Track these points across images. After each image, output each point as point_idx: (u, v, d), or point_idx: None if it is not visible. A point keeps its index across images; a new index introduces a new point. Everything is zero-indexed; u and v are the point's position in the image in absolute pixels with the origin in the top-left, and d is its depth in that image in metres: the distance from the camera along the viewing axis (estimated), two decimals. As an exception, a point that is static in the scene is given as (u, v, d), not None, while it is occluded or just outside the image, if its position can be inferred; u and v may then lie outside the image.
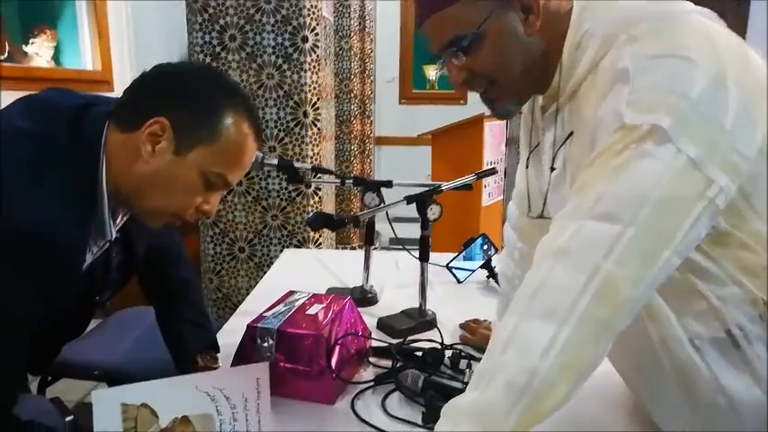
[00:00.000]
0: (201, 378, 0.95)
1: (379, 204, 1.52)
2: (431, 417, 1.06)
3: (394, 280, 1.82)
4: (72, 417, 1.52)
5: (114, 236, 0.95)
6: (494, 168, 1.55)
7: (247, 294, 1.83)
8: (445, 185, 1.44)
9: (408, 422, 1.07)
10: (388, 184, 1.53)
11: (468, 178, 1.47)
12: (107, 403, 0.88)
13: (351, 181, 1.54)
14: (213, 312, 2.56)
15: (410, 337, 1.40)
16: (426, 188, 1.42)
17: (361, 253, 2.14)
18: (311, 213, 1.44)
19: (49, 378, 1.80)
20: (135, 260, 1.07)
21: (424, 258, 1.47)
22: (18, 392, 0.85)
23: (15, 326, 0.80)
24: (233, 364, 1.18)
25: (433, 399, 1.09)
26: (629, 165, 0.74)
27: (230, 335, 1.36)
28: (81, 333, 1.13)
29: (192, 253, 2.67)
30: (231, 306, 2.54)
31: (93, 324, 2.04)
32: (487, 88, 0.89)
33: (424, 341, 1.31)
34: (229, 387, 0.94)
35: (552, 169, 0.91)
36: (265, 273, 2.52)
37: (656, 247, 0.74)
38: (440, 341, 1.31)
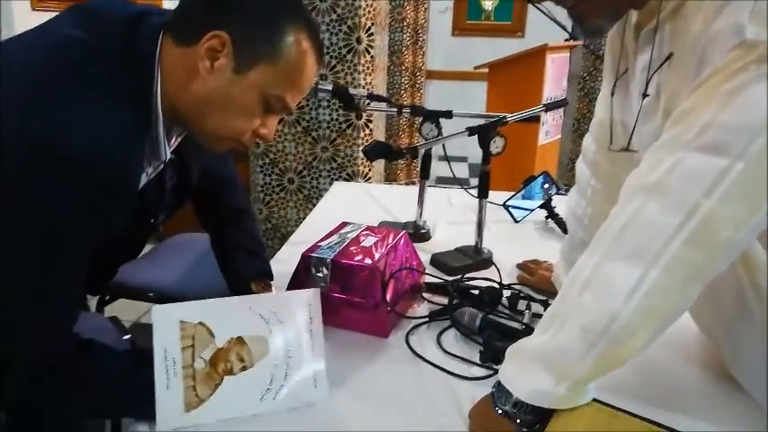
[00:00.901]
0: (256, 300, 0.94)
1: (438, 136, 1.44)
2: (488, 356, 1.03)
3: (447, 216, 1.76)
4: (130, 335, 1.57)
5: (169, 157, 0.92)
6: (564, 100, 1.45)
7: (296, 226, 1.81)
8: (511, 117, 1.35)
9: (465, 360, 1.04)
10: (448, 114, 1.45)
11: (537, 109, 1.37)
12: (167, 319, 0.87)
13: (408, 110, 1.47)
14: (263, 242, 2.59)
15: (466, 275, 1.35)
16: (490, 119, 1.33)
17: (412, 189, 2.08)
18: (368, 144, 1.38)
19: (107, 297, 1.86)
20: (189, 184, 1.05)
21: (482, 195, 1.40)
22: (78, 310, 0.85)
23: (74, 242, 0.78)
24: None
25: (491, 338, 1.06)
26: (745, 89, 0.65)
27: (283, 264, 1.34)
28: (136, 255, 1.13)
29: (242, 183, 2.67)
30: (280, 237, 2.55)
31: (147, 248, 2.09)
32: (578, 1, 0.79)
33: (481, 280, 1.26)
34: (282, 311, 0.93)
35: (645, 96, 0.81)
36: (314, 205, 2.50)
37: (766, 186, 0.66)
38: (497, 280, 1.26)
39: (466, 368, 1.02)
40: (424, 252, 1.50)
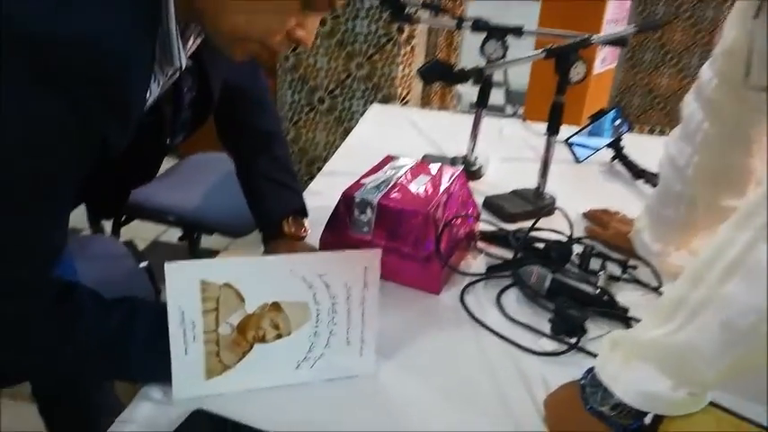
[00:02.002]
0: (298, 260, 0.76)
1: (503, 57, 1.22)
2: (561, 328, 0.87)
3: (499, 152, 1.56)
4: (147, 263, 1.44)
5: (185, 63, 0.72)
6: (661, 20, 1.20)
7: (325, 150, 1.64)
8: (596, 37, 1.12)
9: (532, 329, 0.88)
10: (517, 31, 1.22)
11: (628, 30, 1.14)
12: (184, 278, 0.71)
13: (470, 23, 1.23)
14: (288, 166, 2.42)
15: (522, 224, 1.18)
16: (572, 39, 1.11)
17: (458, 117, 1.87)
18: (426, 63, 1.17)
19: (123, 218, 1.73)
20: (210, 98, 0.86)
21: (553, 131, 1.20)
22: (62, 247, 0.69)
23: (55, 163, 0.61)
24: (324, 235, 1.00)
25: (564, 306, 0.89)
26: None
27: (317, 197, 1.18)
28: (150, 179, 0.97)
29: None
30: (307, 161, 2.38)
31: (167, 164, 1.93)
32: None
33: (547, 231, 1.08)
34: (331, 274, 0.76)
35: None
36: (345, 128, 2.31)
37: None
38: (566, 233, 1.08)
39: (533, 339, 0.87)
40: (477, 193, 1.31)
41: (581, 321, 0.87)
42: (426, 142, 1.61)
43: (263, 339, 0.74)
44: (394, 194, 0.98)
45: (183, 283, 0.70)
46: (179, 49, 0.70)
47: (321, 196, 1.19)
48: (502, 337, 0.86)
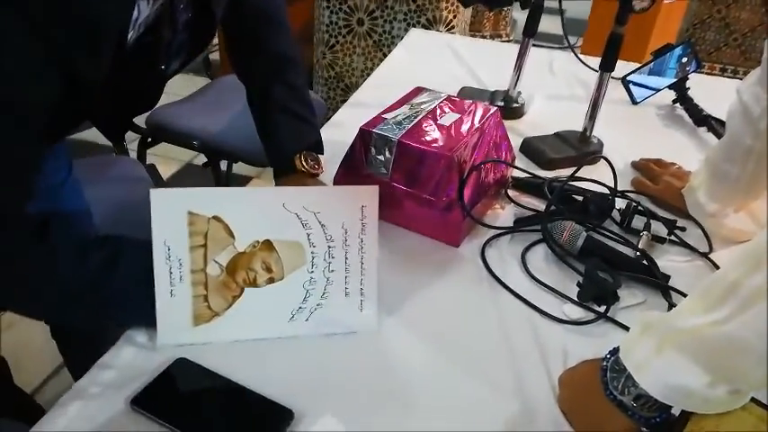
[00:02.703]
0: (291, 194, 0.70)
1: (557, -21, 1.07)
2: (589, 294, 0.78)
3: (546, 87, 1.42)
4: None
5: None
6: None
7: (362, 76, 1.53)
8: (669, -41, 0.95)
9: (557, 293, 0.80)
10: (576, -51, 1.05)
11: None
12: (170, 208, 0.66)
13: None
14: (323, 93, 2.30)
15: (562, 171, 1.06)
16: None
17: (504, 47, 1.71)
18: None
19: (149, 140, 1.69)
20: (212, 19, 0.76)
21: (607, 67, 1.05)
22: (31, 185, 0.63)
23: (13, 91, 0.54)
24: (338, 174, 0.92)
25: (595, 269, 0.80)
26: None
27: (339, 130, 1.09)
28: (152, 105, 0.89)
29: (304, 21, 2.33)
30: (343, 88, 2.27)
31: (197, 84, 1.85)
32: None
33: (587, 181, 0.97)
34: (326, 212, 0.69)
35: None
36: (384, 54, 2.17)
37: None
38: (609, 185, 0.97)
39: (557, 303, 0.78)
40: (515, 134, 1.20)
41: (613, 288, 0.77)
42: (467, 73, 1.48)
43: (254, 283, 0.69)
44: (417, 132, 0.88)
45: (169, 214, 0.66)
46: None
47: (342, 129, 1.10)
48: (522, 299, 0.78)
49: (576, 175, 0.95)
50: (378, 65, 1.60)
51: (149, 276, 0.65)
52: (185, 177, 2.31)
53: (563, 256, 0.85)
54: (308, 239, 0.70)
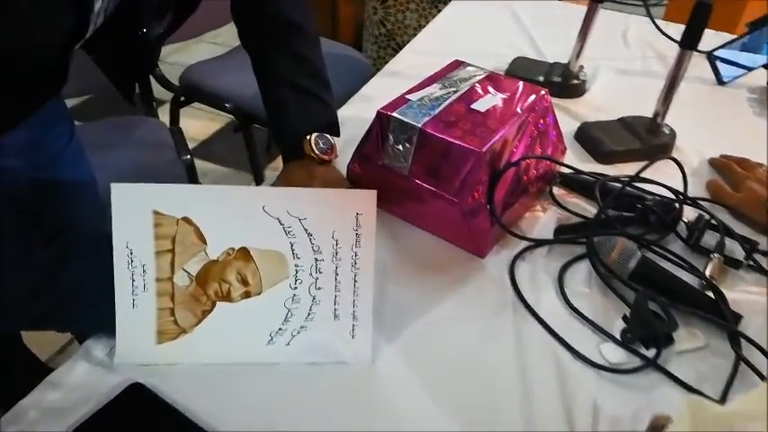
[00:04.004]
0: (273, 195, 0.59)
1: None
2: (636, 333, 0.64)
3: (616, 60, 1.23)
4: (189, 156, 1.32)
5: None
6: None
7: (415, 35, 1.38)
8: None
9: (596, 326, 0.66)
10: None
11: None
12: (133, 204, 0.57)
13: None
14: (372, 52, 2.15)
15: (623, 166, 0.90)
16: None
17: (572, 9, 1.50)
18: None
19: (182, 99, 1.61)
20: None
21: (690, 43, 0.86)
22: None
23: None
24: (351, 162, 0.80)
25: (646, 301, 0.65)
26: None
27: (365, 106, 0.96)
28: (148, 70, 0.80)
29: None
30: (394, 47, 2.10)
31: (234, 42, 1.73)
32: None
33: (649, 183, 0.81)
34: (314, 217, 0.58)
35: None
36: (439, 11, 1.99)
37: None
38: (677, 189, 0.80)
39: (595, 341, 0.65)
40: (570, 117, 1.04)
41: (668, 330, 0.63)
42: (525, 41, 1.30)
43: (227, 296, 0.59)
44: (445, 119, 0.74)
45: (132, 212, 0.57)
46: None
47: (372, 105, 0.97)
48: (552, 332, 0.65)
49: (642, 175, 0.79)
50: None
51: (107, 281, 0.56)
52: (217, 143, 2.22)
53: (609, 280, 0.70)
54: (292, 249, 0.59)
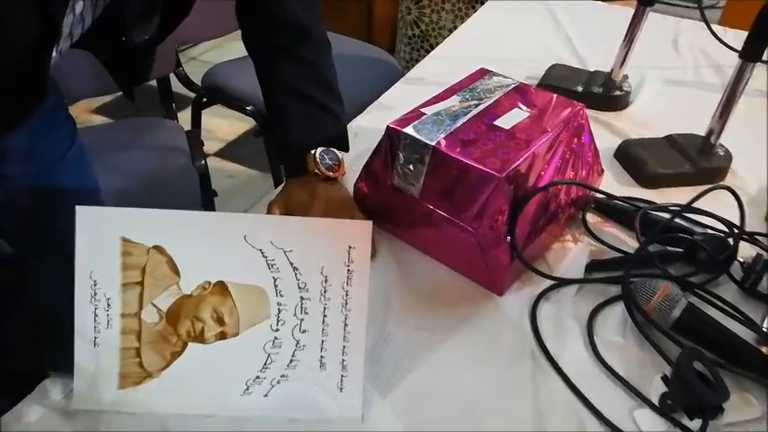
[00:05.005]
0: (256, 224, 0.52)
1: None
2: (679, 400, 0.54)
3: (664, 70, 1.11)
4: (203, 162, 1.27)
5: None
6: None
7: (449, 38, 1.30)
8: None
9: (626, 385, 0.56)
10: None
11: None
12: (99, 230, 0.51)
13: None
14: (405, 54, 2.07)
15: (669, 192, 0.80)
16: None
17: (618, 10, 1.38)
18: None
19: (204, 100, 1.56)
20: None
21: (752, 54, 0.75)
22: None
23: None
24: (358, 182, 0.73)
25: (692, 361, 0.55)
26: None
27: (385, 115, 0.88)
28: (142, 79, 0.74)
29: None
30: (428, 48, 2.02)
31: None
32: None
33: (700, 214, 0.70)
34: (301, 250, 0.51)
35: None
36: (474, 14, 1.89)
37: None
38: (732, 221, 0.70)
39: (628, 404, 0.55)
40: (610, 132, 0.93)
41: (717, 400, 0.53)
42: (563, 45, 1.20)
43: (200, 337, 0.52)
44: (462, 137, 0.65)
45: (97, 239, 0.50)
46: None
47: (390, 115, 0.89)
48: (577, 391, 0.56)
49: (694, 205, 0.69)
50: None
51: (65, 310, 0.50)
52: (244, 144, 2.17)
53: (647, 330, 0.60)
54: (275, 285, 0.52)
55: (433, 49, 2.03)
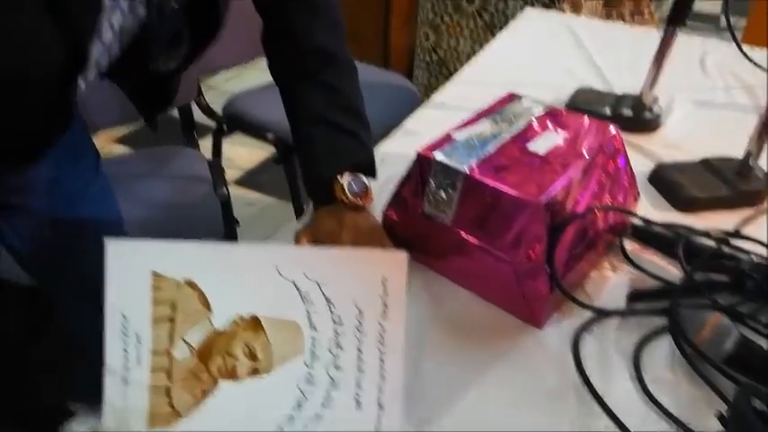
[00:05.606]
0: (288, 255, 0.51)
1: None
2: (739, 438, 0.51)
3: (692, 90, 1.09)
4: (225, 192, 1.26)
5: None
6: None
7: (468, 62, 1.29)
8: None
9: (680, 424, 0.53)
10: None
11: None
12: (129, 264, 0.50)
13: None
14: (424, 80, 2.07)
15: (708, 216, 0.77)
16: None
17: (642, 32, 1.38)
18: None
19: (225, 128, 1.56)
20: (214, 5, 0.57)
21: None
22: None
23: None
24: (387, 209, 0.71)
25: (749, 397, 0.51)
26: None
27: (410, 141, 0.87)
28: (166, 104, 0.73)
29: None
30: (446, 74, 2.02)
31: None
32: None
33: (742, 239, 0.67)
34: (335, 282, 0.49)
35: None
36: (495, 37, 1.90)
37: None
38: (780, 250, 0.67)
39: (681, 444, 0.52)
40: (642, 155, 0.91)
41: (780, 441, 0.49)
42: (588, 68, 1.18)
43: (232, 374, 0.50)
44: (496, 163, 0.64)
45: (129, 274, 0.49)
46: None
47: (414, 141, 0.88)
48: (625, 429, 0.52)
49: (726, 228, 0.66)
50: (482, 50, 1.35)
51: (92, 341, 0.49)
52: (264, 172, 2.17)
53: (698, 364, 0.57)
54: (309, 319, 0.50)
55: (451, 74, 2.03)
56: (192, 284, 0.49)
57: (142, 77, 0.63)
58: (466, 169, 0.62)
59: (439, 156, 0.64)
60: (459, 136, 0.68)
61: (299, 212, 1.60)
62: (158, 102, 0.73)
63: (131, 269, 0.49)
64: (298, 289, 0.50)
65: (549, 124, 0.71)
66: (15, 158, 0.67)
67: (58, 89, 0.56)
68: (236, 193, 2.06)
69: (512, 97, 0.78)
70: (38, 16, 0.47)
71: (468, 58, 1.97)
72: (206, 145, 1.61)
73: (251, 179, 2.14)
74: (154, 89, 0.69)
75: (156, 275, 0.49)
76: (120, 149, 2.12)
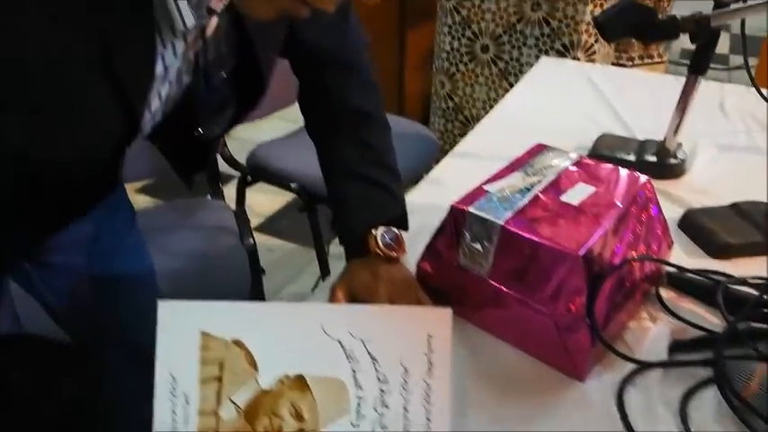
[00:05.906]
0: (333, 313, 0.51)
1: (744, -2, 0.77)
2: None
3: (715, 135, 1.10)
4: (252, 242, 1.27)
5: (192, 24, 0.47)
6: None
7: (484, 109, 1.32)
8: None
9: (739, 484, 0.52)
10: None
11: None
12: (180, 325, 0.50)
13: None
14: (440, 125, 2.10)
15: (743, 263, 0.76)
16: None
17: (657, 78, 1.40)
18: (610, 7, 0.78)
19: (249, 179, 1.59)
20: (259, 74, 0.60)
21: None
22: None
23: None
24: (421, 262, 0.71)
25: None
26: None
27: (433, 192, 0.88)
28: (200, 169, 0.75)
29: (425, 48, 2.15)
30: (462, 120, 2.05)
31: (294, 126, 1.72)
32: None
33: (786, 289, 0.67)
34: (379, 340, 0.50)
35: None
36: (511, 84, 1.93)
37: None
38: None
39: (739, 504, 0.50)
40: (669, 201, 0.91)
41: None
42: (607, 115, 1.20)
43: (279, 434, 0.50)
44: (531, 214, 0.64)
45: (178, 334, 0.50)
46: (177, 5, 0.45)
47: (441, 191, 0.89)
48: (681, 489, 0.51)
49: (760, 273, 0.65)
50: (502, 95, 1.37)
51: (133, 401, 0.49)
52: (284, 218, 2.19)
53: (748, 418, 0.56)
54: (354, 378, 0.50)
55: (467, 120, 2.07)
56: (239, 344, 0.50)
57: (185, 141, 0.65)
58: (501, 222, 0.63)
59: (473, 209, 0.65)
60: (492, 188, 0.69)
61: (321, 259, 1.61)
62: (197, 163, 0.75)
63: (181, 329, 0.50)
64: (343, 347, 0.50)
65: (580, 174, 0.72)
66: (60, 218, 0.68)
67: (110, 158, 0.59)
68: (257, 239, 2.08)
69: (540, 148, 0.79)
70: (103, 99, 0.49)
71: (484, 104, 2.01)
72: (227, 193, 1.63)
73: (270, 226, 2.16)
74: (194, 151, 0.71)
75: (204, 335, 0.50)
76: (143, 200, 2.16)
